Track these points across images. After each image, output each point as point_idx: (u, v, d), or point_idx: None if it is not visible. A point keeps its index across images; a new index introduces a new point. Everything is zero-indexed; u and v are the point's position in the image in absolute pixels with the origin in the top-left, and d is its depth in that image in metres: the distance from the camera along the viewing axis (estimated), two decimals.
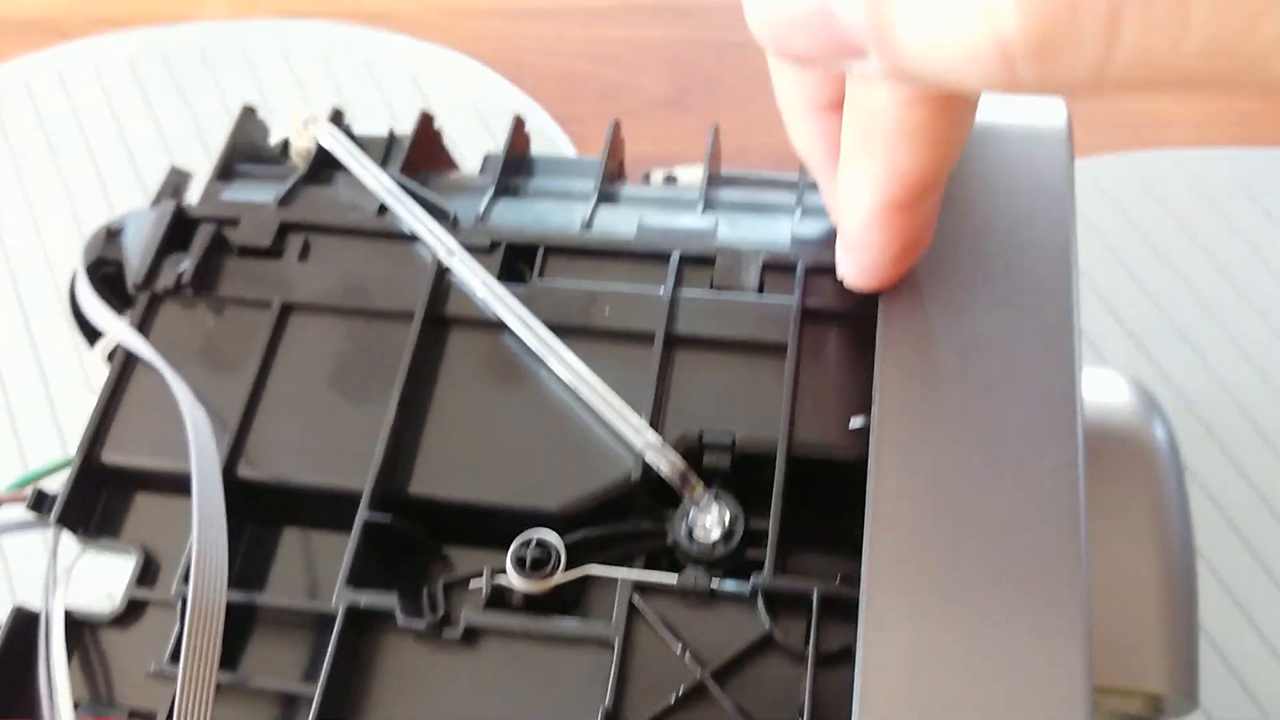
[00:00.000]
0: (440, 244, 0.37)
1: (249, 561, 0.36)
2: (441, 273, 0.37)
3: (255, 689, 0.33)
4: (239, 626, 0.34)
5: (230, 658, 0.34)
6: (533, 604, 0.33)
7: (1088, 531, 0.28)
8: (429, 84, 0.72)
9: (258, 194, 0.41)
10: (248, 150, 0.44)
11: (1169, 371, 0.58)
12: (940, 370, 0.31)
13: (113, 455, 0.36)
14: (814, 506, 0.34)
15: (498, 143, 0.43)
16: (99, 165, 0.68)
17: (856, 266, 0.31)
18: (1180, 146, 0.67)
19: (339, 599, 0.32)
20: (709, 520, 0.33)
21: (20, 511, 0.37)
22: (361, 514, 0.33)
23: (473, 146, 0.50)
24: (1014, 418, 0.29)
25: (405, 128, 0.44)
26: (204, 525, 0.32)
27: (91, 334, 0.42)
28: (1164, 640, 0.35)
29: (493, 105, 0.71)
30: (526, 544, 0.32)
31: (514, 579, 0.32)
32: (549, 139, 0.70)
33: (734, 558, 0.33)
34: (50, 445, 0.58)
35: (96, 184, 0.67)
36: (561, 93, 0.75)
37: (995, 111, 0.35)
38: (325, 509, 0.35)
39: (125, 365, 0.38)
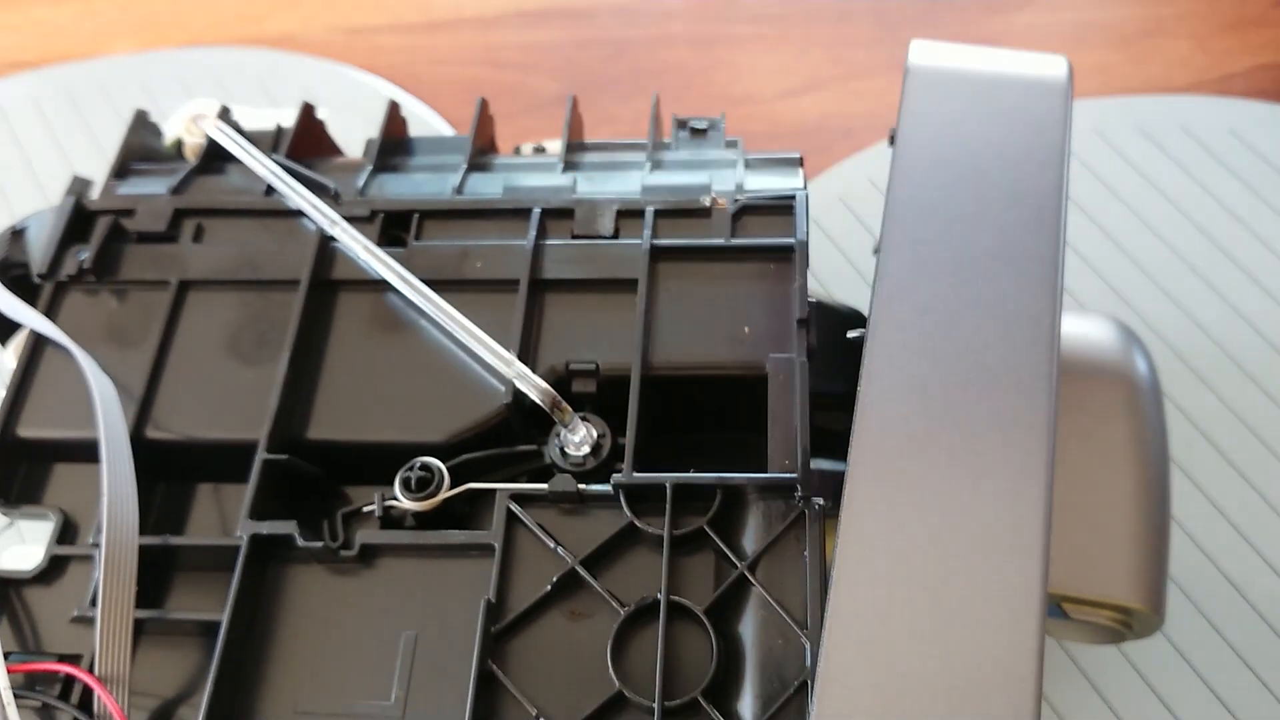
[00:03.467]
0: (323, 216, 0.41)
1: (164, 516, 0.39)
2: (325, 241, 0.41)
3: (171, 620, 0.36)
4: (156, 570, 0.37)
5: (149, 599, 0.36)
6: (424, 523, 0.36)
7: (1058, 443, 0.30)
8: (325, 98, 0.75)
9: (152, 187, 0.45)
10: (142, 152, 0.48)
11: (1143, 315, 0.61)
12: (931, 287, 0.33)
13: (28, 430, 0.39)
14: (671, 426, 0.38)
15: None
16: (6, 192, 0.70)
17: None
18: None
19: (242, 529, 0.35)
20: (578, 439, 0.37)
21: None
22: (260, 454, 0.36)
23: None
24: (995, 332, 0.32)
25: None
26: (113, 473, 0.35)
27: (3, 333, 0.45)
28: (1135, 555, 0.37)
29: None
30: (412, 468, 0.36)
31: (402, 500, 0.36)
32: None
33: (602, 470, 0.36)
34: None
35: (4, 208, 0.70)
36: (457, 98, 0.79)
37: (1000, 60, 0.39)
38: (230, 462, 0.38)
39: (35, 348, 0.40)
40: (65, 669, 0.35)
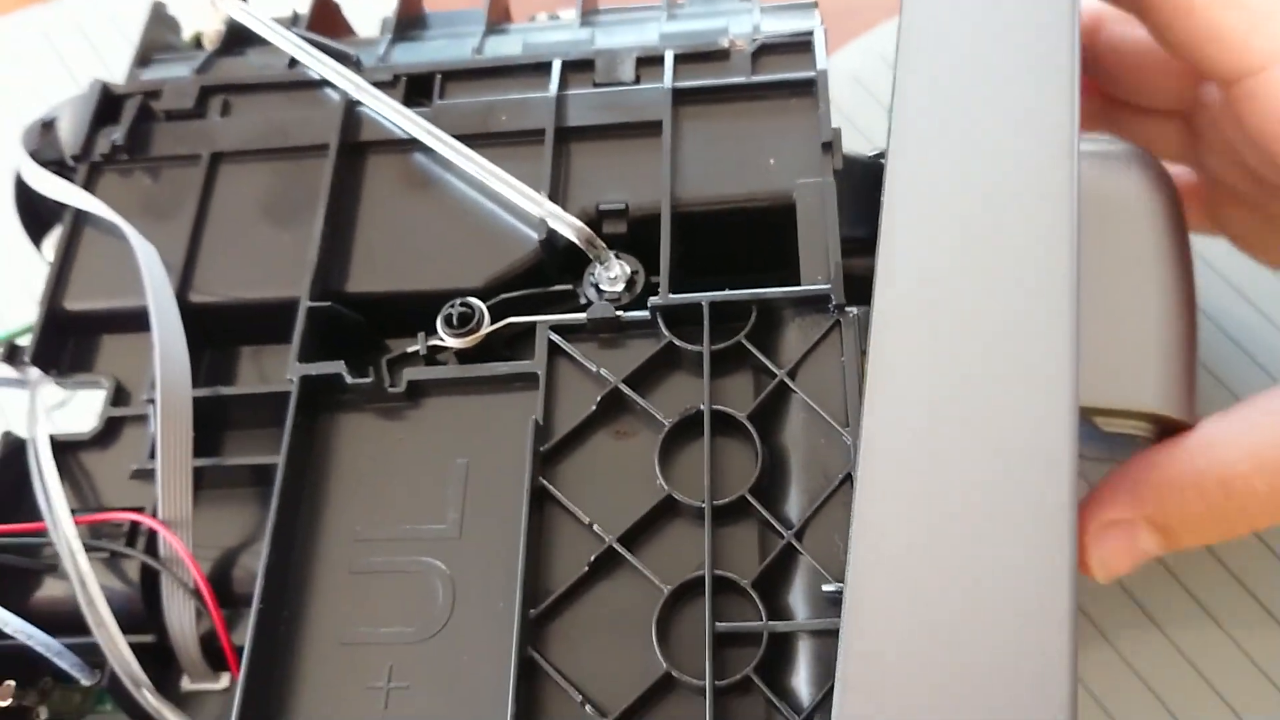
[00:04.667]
0: (348, 81, 0.41)
1: (211, 378, 0.40)
2: (351, 106, 0.41)
3: (227, 468, 0.37)
4: (209, 426, 0.38)
5: (205, 452, 0.37)
6: (466, 362, 0.37)
7: (1082, 255, 0.30)
8: None
9: (176, 71, 0.45)
10: (162, 46, 0.48)
11: None
12: (947, 104, 0.33)
13: (74, 303, 0.40)
14: (703, 270, 0.38)
15: None
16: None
17: None
18: None
19: (291, 373, 0.36)
20: (613, 274, 0.38)
21: None
22: (304, 303, 0.37)
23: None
24: (1016, 144, 0.32)
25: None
26: (162, 326, 0.36)
27: (37, 233, 0.46)
28: (1163, 361, 0.37)
29: None
30: (453, 306, 0.37)
31: (445, 337, 0.36)
32: None
33: (637, 304, 0.37)
34: None
35: None
36: None
37: None
38: (272, 322, 0.39)
39: (75, 224, 0.41)
40: (130, 516, 0.36)
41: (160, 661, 0.36)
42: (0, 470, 0.38)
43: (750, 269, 0.40)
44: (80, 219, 0.41)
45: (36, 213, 0.45)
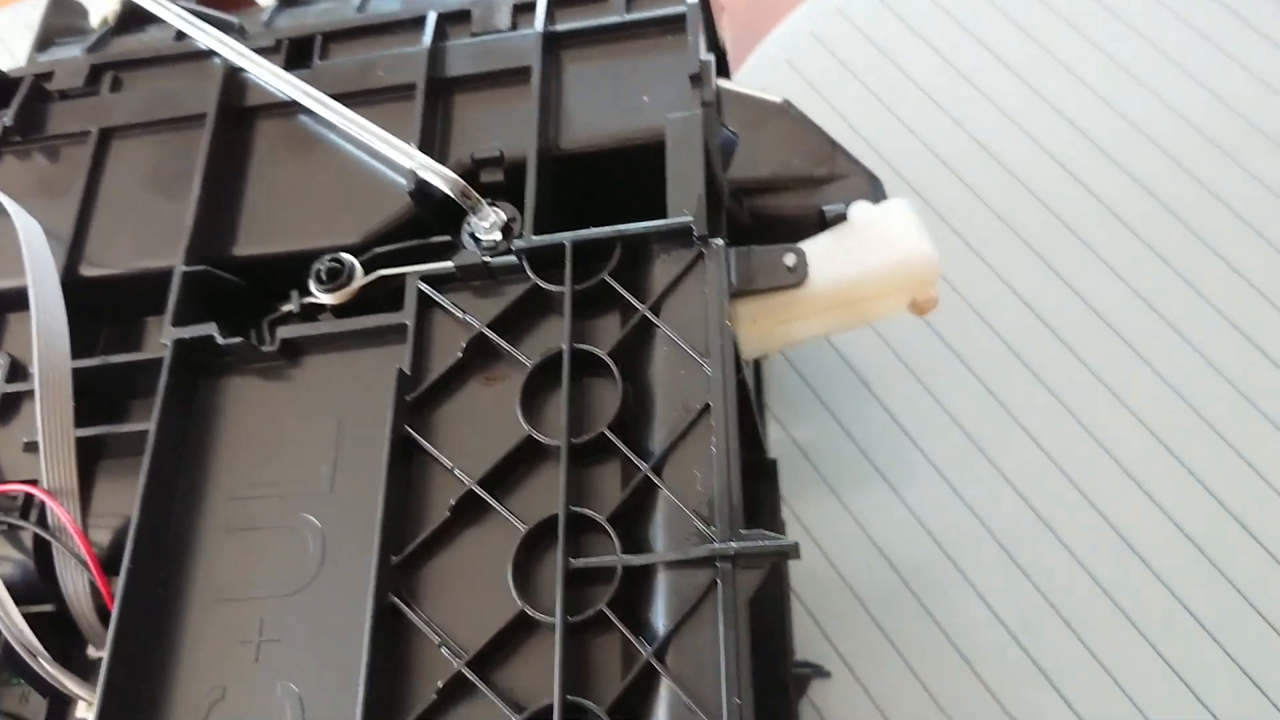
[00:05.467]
0: (230, 49, 0.41)
1: (109, 350, 0.40)
2: (233, 73, 0.41)
3: (122, 434, 0.37)
4: (109, 395, 0.38)
5: (108, 420, 0.37)
6: (343, 317, 0.37)
7: None
8: None
9: (72, 53, 0.46)
10: (68, 31, 0.48)
11: None
12: None
13: None
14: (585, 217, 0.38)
15: None
16: None
17: None
18: None
19: (166, 337, 0.36)
20: (488, 223, 0.37)
21: None
22: (178, 269, 0.37)
23: None
24: None
25: None
26: (40, 299, 0.36)
27: None
28: None
29: None
30: (321, 262, 0.36)
31: (317, 294, 0.36)
32: None
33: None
34: None
35: None
36: None
37: None
38: (165, 291, 0.39)
39: None
40: (16, 488, 0.36)
41: (64, 631, 0.37)
42: None
43: (637, 213, 0.39)
44: None
45: None
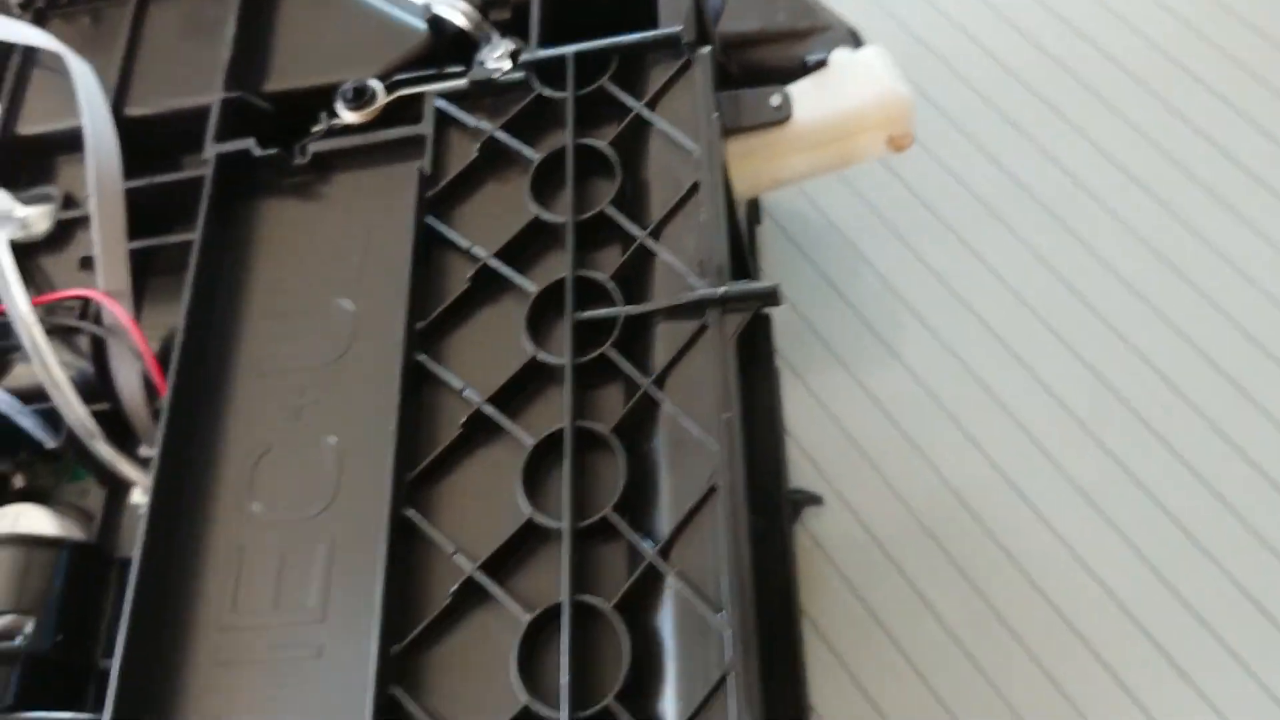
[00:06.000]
0: None
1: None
2: None
3: (170, 245, 0.41)
4: (160, 217, 0.42)
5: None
6: None
7: None
8: None
9: None
10: None
11: None
12: None
13: (25, 127, 0.45)
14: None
15: None
16: None
17: None
18: None
19: (207, 152, 0.40)
20: (498, 52, 0.41)
21: None
22: (217, 95, 0.41)
23: None
24: None
25: None
26: (93, 122, 0.40)
27: None
28: None
29: None
30: (348, 85, 0.40)
31: (344, 114, 0.40)
32: None
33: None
34: None
35: None
36: None
37: None
38: (199, 129, 0.43)
39: (23, 61, 0.46)
40: (75, 292, 0.40)
41: (119, 431, 0.41)
42: None
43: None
44: (28, 57, 0.46)
45: None
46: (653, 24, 0.39)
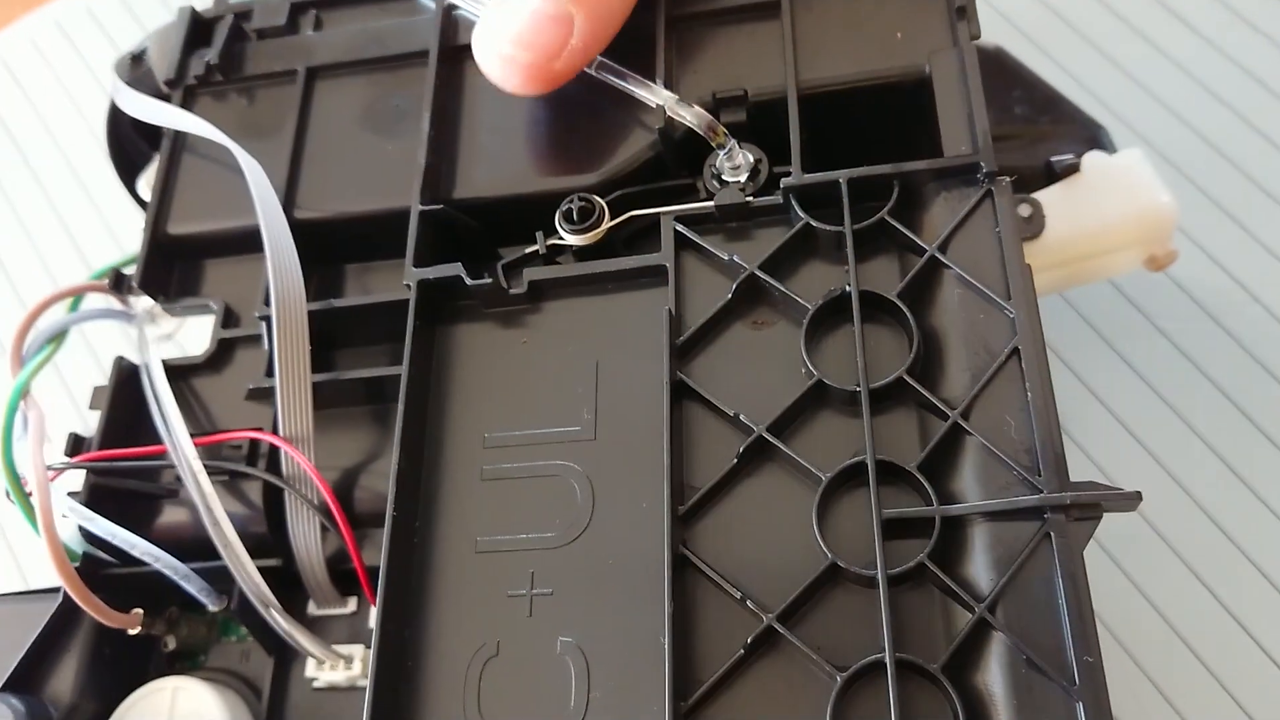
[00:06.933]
0: None
1: (321, 297, 0.38)
2: (449, 9, 0.40)
3: (345, 381, 0.35)
4: (319, 343, 0.36)
5: (319, 365, 0.36)
6: (586, 259, 0.35)
7: None
8: None
9: None
10: None
11: None
12: None
13: (177, 227, 0.39)
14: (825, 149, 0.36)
15: None
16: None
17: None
18: None
19: (408, 278, 0.34)
20: (736, 163, 0.35)
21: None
22: (415, 208, 0.35)
23: None
24: None
25: None
26: (273, 238, 0.35)
27: (128, 174, 0.45)
28: None
29: None
30: (571, 200, 0.35)
31: (564, 234, 0.35)
32: None
33: (764, 194, 0.35)
34: None
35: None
36: None
37: None
38: (378, 235, 0.37)
39: (174, 149, 0.40)
40: (251, 435, 0.35)
41: (284, 588, 0.35)
42: (114, 397, 0.37)
43: (877, 156, 0.37)
44: (179, 144, 0.40)
45: (127, 154, 0.44)
46: (897, 145, 0.34)
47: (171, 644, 0.37)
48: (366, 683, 0.31)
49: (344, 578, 0.36)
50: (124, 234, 0.60)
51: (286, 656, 0.36)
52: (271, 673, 0.36)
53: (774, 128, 0.36)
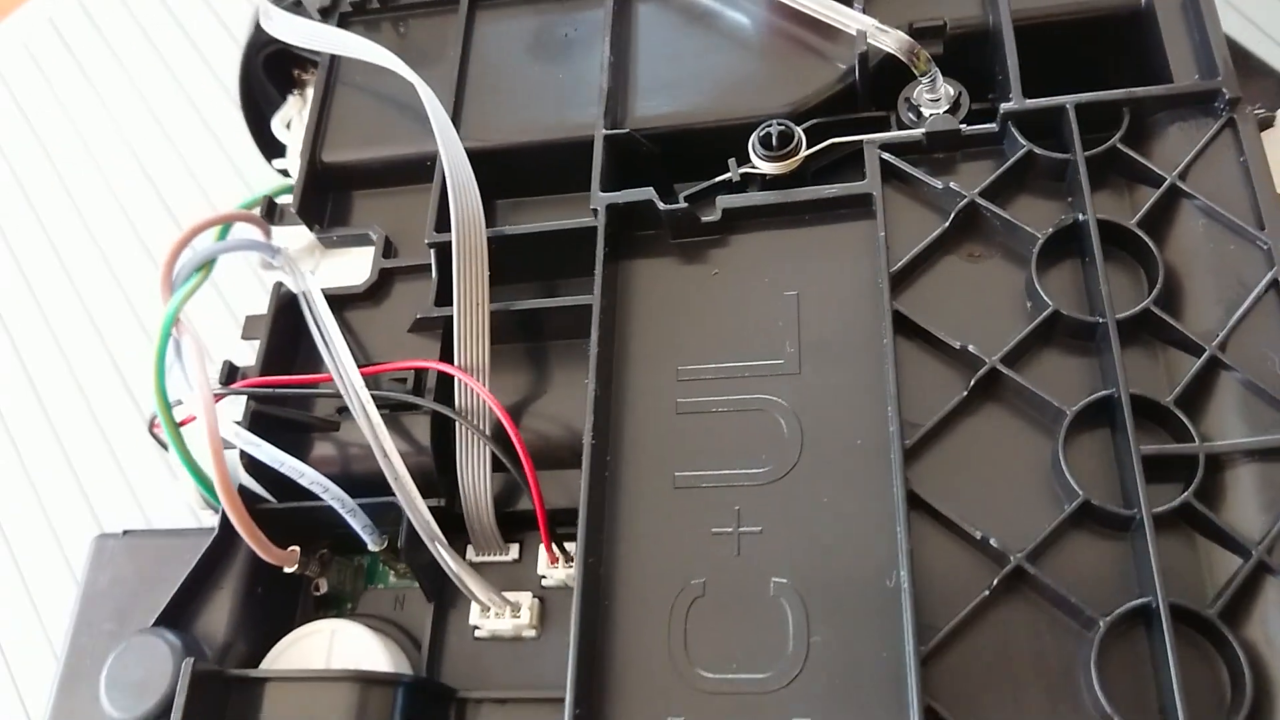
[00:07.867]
0: None
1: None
2: None
3: (512, 313, 0.33)
4: (498, 270, 0.34)
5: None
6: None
7: None
8: None
9: None
10: None
11: None
12: None
13: (333, 155, 0.38)
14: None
15: None
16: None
17: None
18: None
19: (595, 202, 0.32)
20: (937, 95, 0.33)
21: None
22: (600, 132, 0.34)
23: None
24: None
25: None
26: (452, 162, 0.33)
27: (258, 120, 0.43)
28: None
29: None
30: (769, 125, 0.33)
31: (760, 163, 0.33)
32: None
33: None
34: None
35: None
36: None
37: None
38: (548, 166, 0.36)
39: (329, 72, 0.39)
40: (427, 364, 0.33)
41: (444, 532, 0.33)
42: (274, 324, 0.35)
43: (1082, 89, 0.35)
44: (334, 71, 0.39)
45: (255, 102, 0.43)
46: (1096, 79, 0.32)
47: (323, 587, 0.35)
48: (533, 634, 0.28)
49: (506, 522, 0.34)
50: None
51: (445, 603, 0.34)
52: (431, 619, 0.33)
53: (973, 63, 0.34)
